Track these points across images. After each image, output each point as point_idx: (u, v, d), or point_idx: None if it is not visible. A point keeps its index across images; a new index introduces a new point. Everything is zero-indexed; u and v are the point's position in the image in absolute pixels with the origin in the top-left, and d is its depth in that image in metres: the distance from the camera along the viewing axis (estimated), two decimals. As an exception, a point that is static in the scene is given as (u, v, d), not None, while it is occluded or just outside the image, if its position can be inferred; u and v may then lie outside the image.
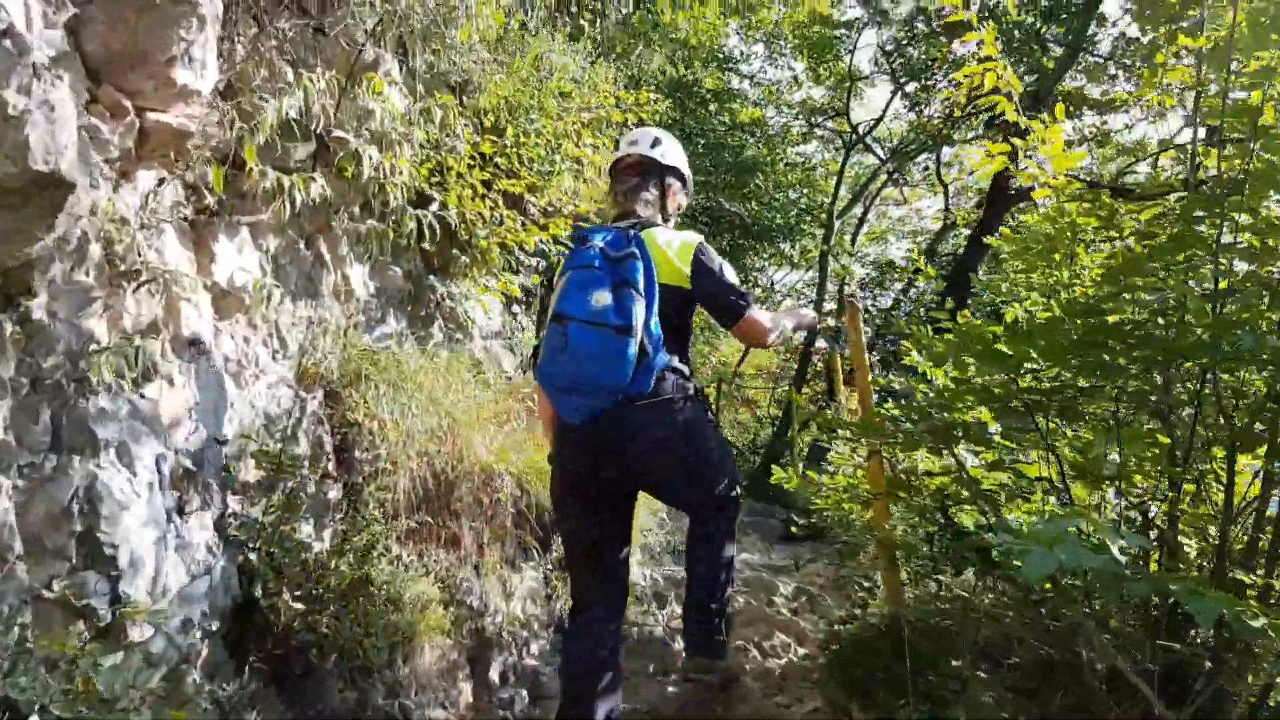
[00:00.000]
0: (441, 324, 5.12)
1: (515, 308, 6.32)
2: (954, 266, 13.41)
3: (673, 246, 2.90)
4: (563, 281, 2.78)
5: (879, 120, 17.84)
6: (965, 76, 4.59)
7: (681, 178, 3.24)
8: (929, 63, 13.07)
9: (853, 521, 4.59)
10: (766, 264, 17.55)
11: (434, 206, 4.56)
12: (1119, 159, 13.71)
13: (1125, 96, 11.41)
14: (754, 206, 12.57)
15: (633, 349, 2.61)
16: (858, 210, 19.26)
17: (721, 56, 13.95)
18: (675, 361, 2.83)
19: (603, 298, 2.65)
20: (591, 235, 2.88)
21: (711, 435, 2.87)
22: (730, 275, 2.97)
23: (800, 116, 17.91)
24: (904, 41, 13.25)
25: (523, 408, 5.03)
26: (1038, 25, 10.75)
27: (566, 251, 3.14)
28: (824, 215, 16.38)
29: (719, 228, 13.05)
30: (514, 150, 5.27)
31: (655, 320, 2.74)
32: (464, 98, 5.18)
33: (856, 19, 15.63)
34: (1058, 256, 4.13)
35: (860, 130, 18.06)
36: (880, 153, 18.43)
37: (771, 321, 2.97)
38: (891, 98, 17.03)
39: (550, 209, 5.85)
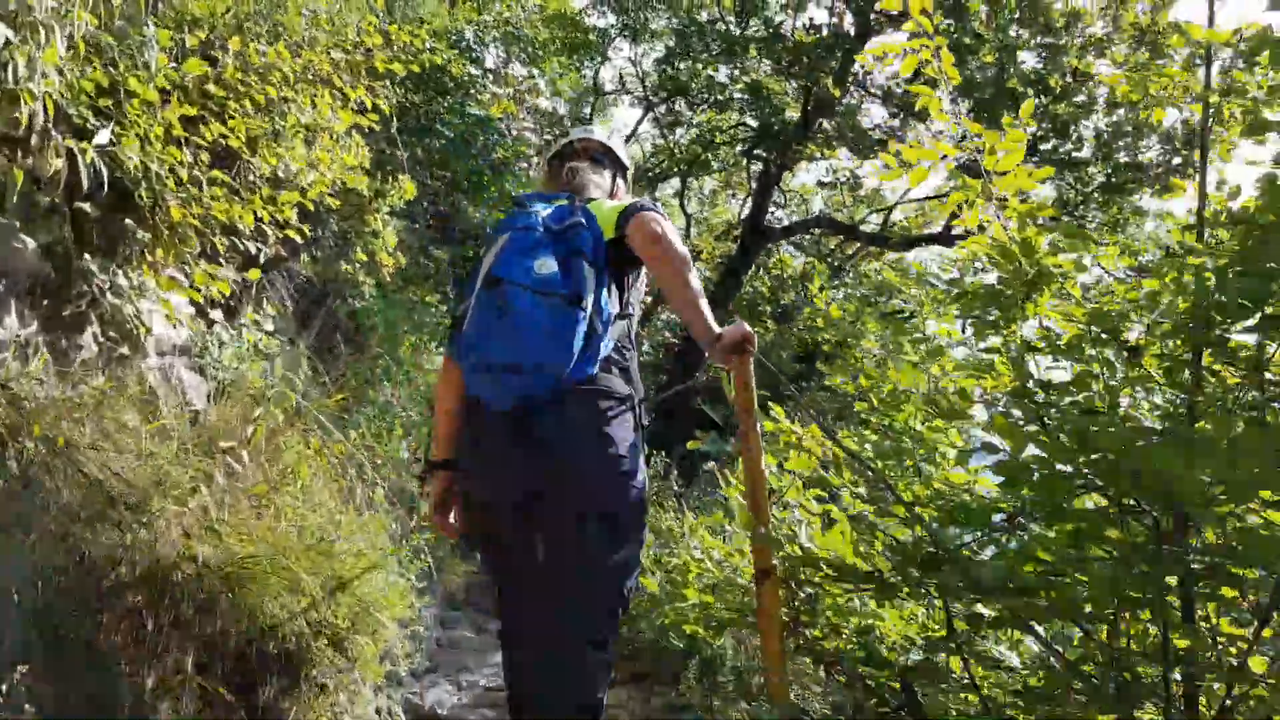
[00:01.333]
0: (97, 331, 3.42)
1: (214, 313, 4.60)
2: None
3: (613, 209, 2.56)
4: (499, 243, 2.42)
5: (627, 139, 17.12)
6: (888, 56, 3.65)
7: (627, 181, 3.02)
8: (687, 83, 12.44)
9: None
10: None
11: (100, 139, 2.87)
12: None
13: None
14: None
15: (584, 324, 2.31)
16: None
17: (463, 44, 12.53)
18: (617, 354, 2.51)
19: (547, 264, 2.35)
20: (529, 201, 2.60)
21: (637, 467, 2.45)
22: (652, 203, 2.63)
23: (543, 128, 16.81)
24: (669, 59, 12.54)
25: (220, 464, 3.48)
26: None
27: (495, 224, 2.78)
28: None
29: (452, 234, 11.56)
30: (236, 77, 3.65)
31: (605, 296, 2.42)
32: (163, -13, 3.52)
33: (609, 27, 14.82)
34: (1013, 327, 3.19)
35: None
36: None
37: (677, 241, 2.47)
38: (640, 119, 16.39)
39: (280, 178, 4.26)
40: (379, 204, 5.78)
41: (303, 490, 4.04)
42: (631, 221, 2.46)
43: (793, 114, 12.42)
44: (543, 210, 2.54)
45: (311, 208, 4.36)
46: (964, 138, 3.59)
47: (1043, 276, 3.15)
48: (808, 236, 14.38)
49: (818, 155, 11.88)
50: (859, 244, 16.96)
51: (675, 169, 15.31)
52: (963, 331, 3.74)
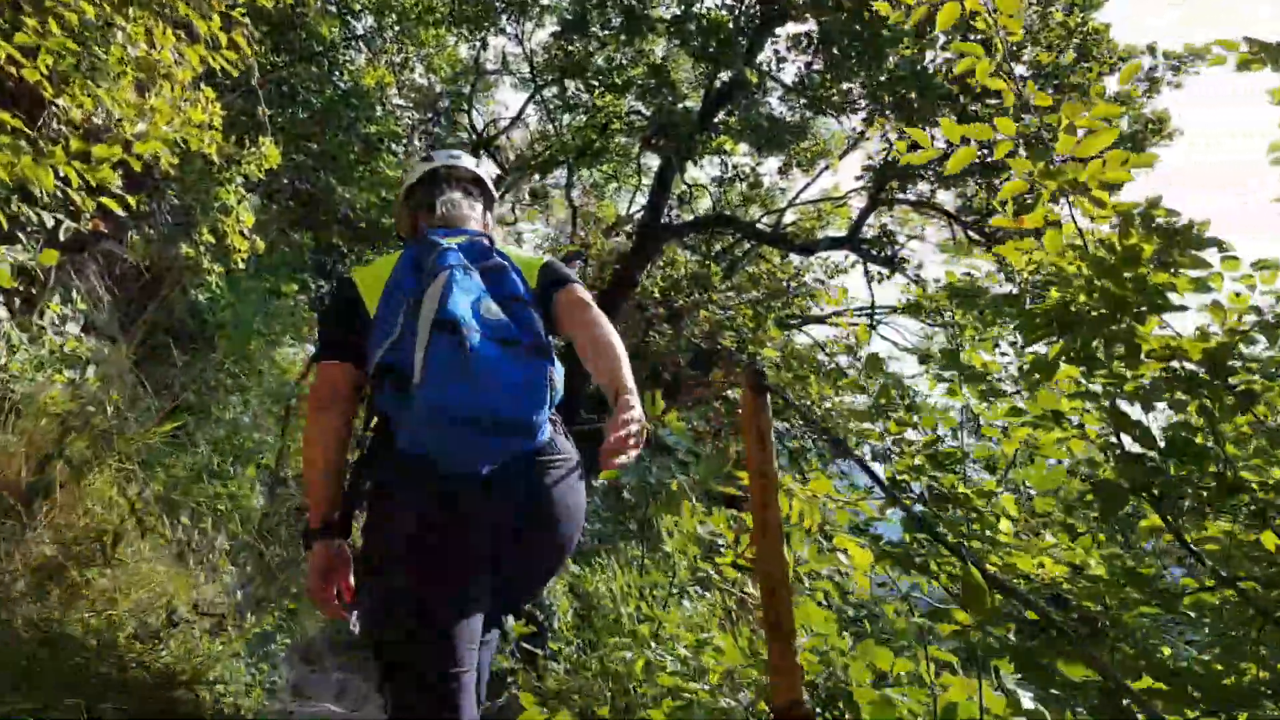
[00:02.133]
0: None
1: (-1, 306, 3.50)
2: (600, 296, 12.00)
3: (528, 261, 2.44)
4: (439, 280, 2.15)
5: (511, 123, 16.12)
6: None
7: (494, 216, 2.80)
8: (582, 62, 11.54)
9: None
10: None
11: None
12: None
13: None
14: (371, 199, 10.14)
15: (547, 377, 2.12)
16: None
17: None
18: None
19: (492, 306, 2.17)
20: (432, 235, 2.36)
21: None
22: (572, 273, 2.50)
23: (417, 107, 15.63)
24: (564, 33, 11.60)
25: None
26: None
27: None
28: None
29: (316, 216, 10.36)
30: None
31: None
32: None
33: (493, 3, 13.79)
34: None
35: (484, 134, 16.20)
36: (501, 162, 16.69)
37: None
38: (526, 101, 15.41)
39: (97, 128, 3.21)
40: (232, 173, 4.71)
41: (115, 551, 3.03)
42: (562, 293, 2.35)
43: (694, 103, 11.70)
44: (451, 243, 2.34)
45: (139, 167, 3.31)
46: (1018, 113, 2.87)
47: (1148, 296, 2.44)
48: (699, 236, 13.72)
49: (724, 149, 11.19)
50: (750, 245, 16.47)
51: (563, 157, 14.39)
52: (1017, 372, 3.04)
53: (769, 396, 2.30)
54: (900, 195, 11.50)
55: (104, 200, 3.16)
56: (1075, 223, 2.71)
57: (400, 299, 2.18)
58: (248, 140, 4.80)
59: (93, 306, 4.27)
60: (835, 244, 12.11)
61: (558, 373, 2.21)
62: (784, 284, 14.24)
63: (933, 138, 2.97)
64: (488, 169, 2.90)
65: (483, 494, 2.11)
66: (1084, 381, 2.62)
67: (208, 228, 4.73)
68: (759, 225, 13.47)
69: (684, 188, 13.97)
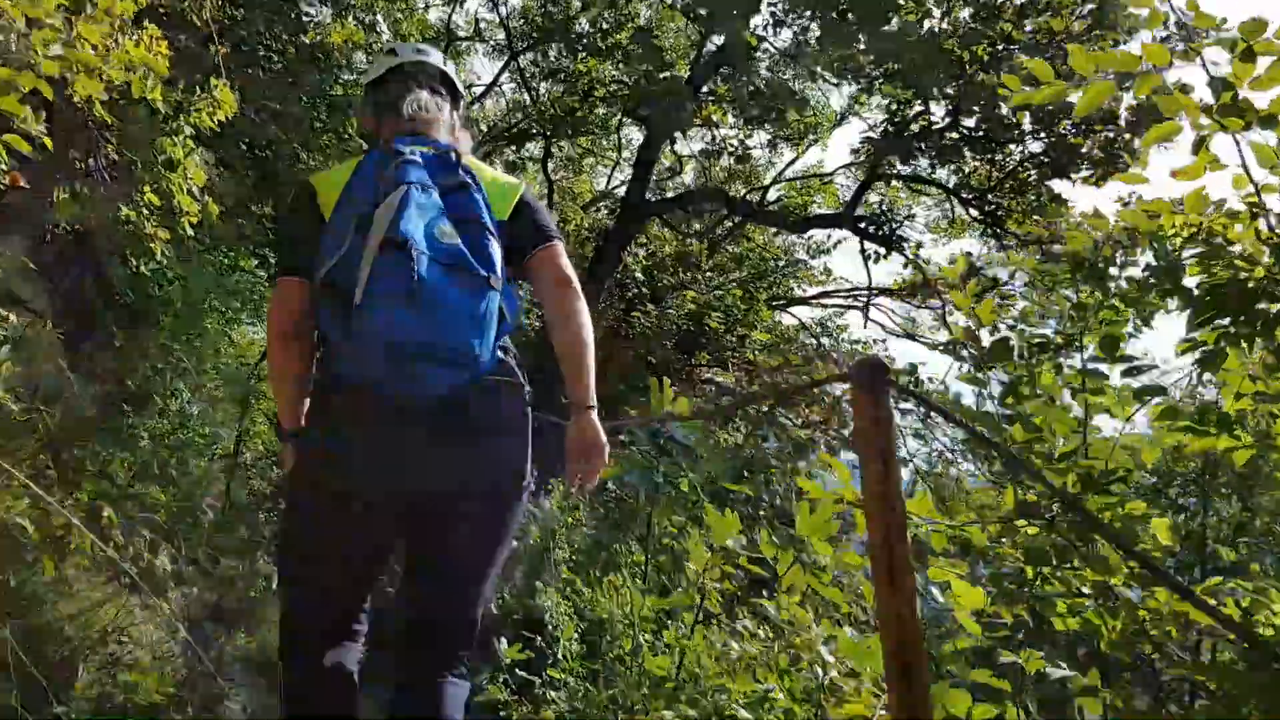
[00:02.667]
0: None
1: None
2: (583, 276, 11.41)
3: (500, 184, 2.32)
4: (396, 196, 2.04)
5: (485, 91, 15.40)
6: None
7: (465, 115, 2.64)
8: (566, 23, 10.89)
9: None
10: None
11: None
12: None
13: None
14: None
15: (496, 308, 2.09)
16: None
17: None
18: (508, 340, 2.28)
19: (448, 229, 2.07)
20: (398, 144, 2.20)
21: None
22: (551, 221, 2.42)
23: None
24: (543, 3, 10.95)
25: None
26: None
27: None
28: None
29: (278, 186, 9.66)
30: None
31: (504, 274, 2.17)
32: None
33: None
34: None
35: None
36: (473, 134, 15.97)
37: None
38: (501, 70, 14.71)
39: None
40: (180, 123, 4.08)
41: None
42: (544, 253, 2.28)
43: (680, 73, 11.10)
44: (417, 156, 2.20)
45: (52, 97, 2.71)
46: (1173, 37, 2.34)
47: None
48: (683, 213, 13.14)
49: (712, 120, 10.64)
50: (733, 222, 15.92)
51: (541, 129, 13.73)
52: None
53: (891, 397, 1.75)
54: (897, 170, 10.99)
55: (9, 138, 2.55)
56: (1249, 175, 2.19)
57: (352, 211, 2.08)
58: (199, 87, 4.18)
59: (12, 276, 3.64)
60: (830, 222, 11.57)
61: (510, 304, 2.17)
62: (771, 263, 13.72)
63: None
64: (455, 72, 2.67)
65: (421, 425, 2.06)
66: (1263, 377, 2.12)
67: (151, 187, 4.09)
68: (750, 202, 12.89)
69: (668, 161, 13.40)
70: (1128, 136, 9.25)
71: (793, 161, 15.69)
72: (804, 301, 15.03)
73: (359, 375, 2.05)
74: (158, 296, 4.75)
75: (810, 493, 2.58)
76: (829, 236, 17.57)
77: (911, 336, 15.78)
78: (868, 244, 11.12)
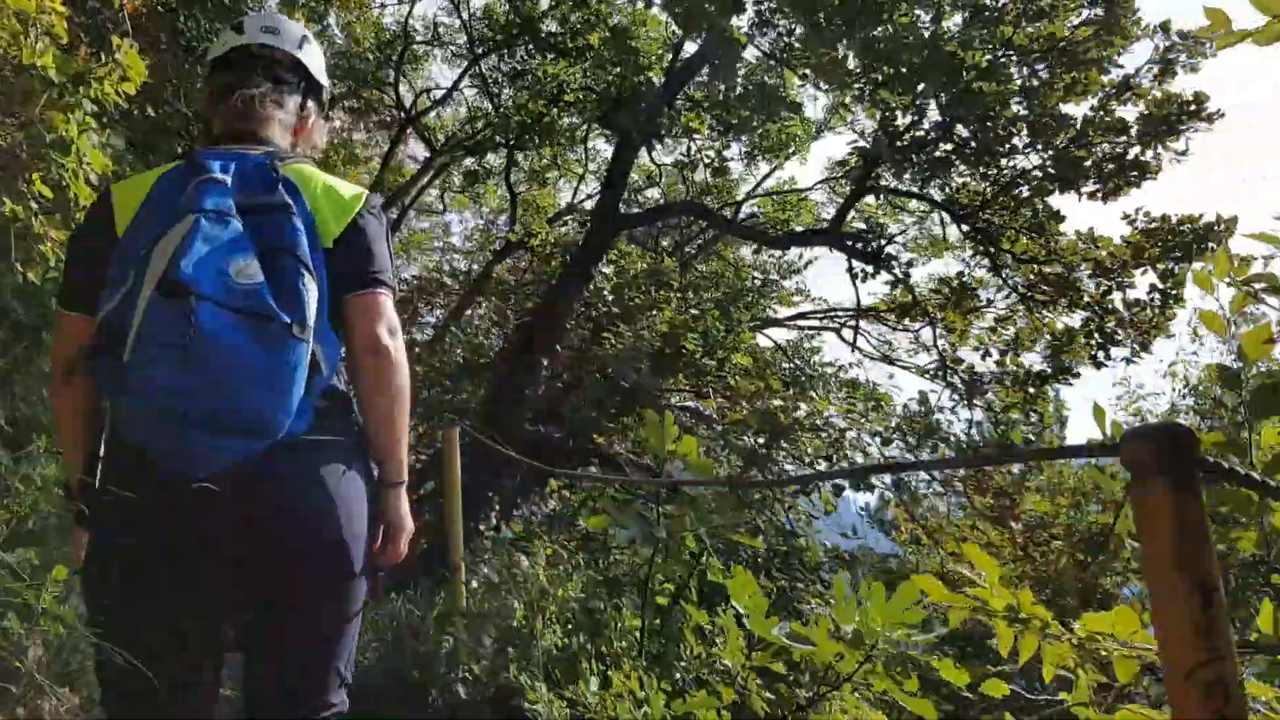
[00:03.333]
0: None
1: None
2: (543, 299, 10.69)
3: (336, 195, 2.04)
4: (182, 227, 1.78)
5: (444, 97, 14.64)
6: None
7: (321, 103, 2.37)
8: (534, 22, 10.20)
9: None
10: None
11: None
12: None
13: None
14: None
15: (305, 361, 1.81)
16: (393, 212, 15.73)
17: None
18: (336, 381, 2.01)
19: (247, 267, 1.78)
20: (206, 160, 1.92)
21: (365, 531, 2.00)
22: (388, 252, 2.11)
23: (337, 75, 14.10)
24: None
25: None
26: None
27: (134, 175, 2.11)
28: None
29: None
30: None
31: (325, 313, 1.90)
32: None
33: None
34: None
35: (412, 110, 14.73)
36: (431, 143, 15.19)
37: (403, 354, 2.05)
38: (461, 75, 13.97)
39: None
40: (79, 97, 3.33)
41: None
42: (356, 301, 1.97)
43: (655, 78, 10.45)
44: (220, 173, 1.90)
45: None
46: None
47: None
48: (657, 227, 12.47)
49: (690, 129, 9.99)
50: (705, 239, 15.30)
51: (504, 138, 13.00)
52: None
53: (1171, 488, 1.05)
54: (886, 184, 10.41)
55: None
56: None
57: (141, 239, 1.81)
58: (100, 53, 3.42)
59: None
60: (816, 238, 10.94)
61: (329, 350, 1.90)
62: (747, 282, 13.08)
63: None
64: (315, 53, 2.33)
65: (207, 502, 1.77)
66: None
67: (40, 174, 3.34)
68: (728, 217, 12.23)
69: (643, 172, 12.75)
70: (1137, 149, 8.75)
71: (768, 175, 15.13)
72: (779, 323, 14.41)
73: (133, 440, 1.79)
74: (54, 312, 3.96)
75: (969, 558, 1.87)
76: (800, 255, 17.04)
77: (890, 360, 15.25)
78: (855, 262, 10.50)
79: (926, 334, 15.88)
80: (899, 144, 9.44)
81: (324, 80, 2.36)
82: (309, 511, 1.90)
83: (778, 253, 16.88)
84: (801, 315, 14.85)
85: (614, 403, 10.54)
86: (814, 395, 9.47)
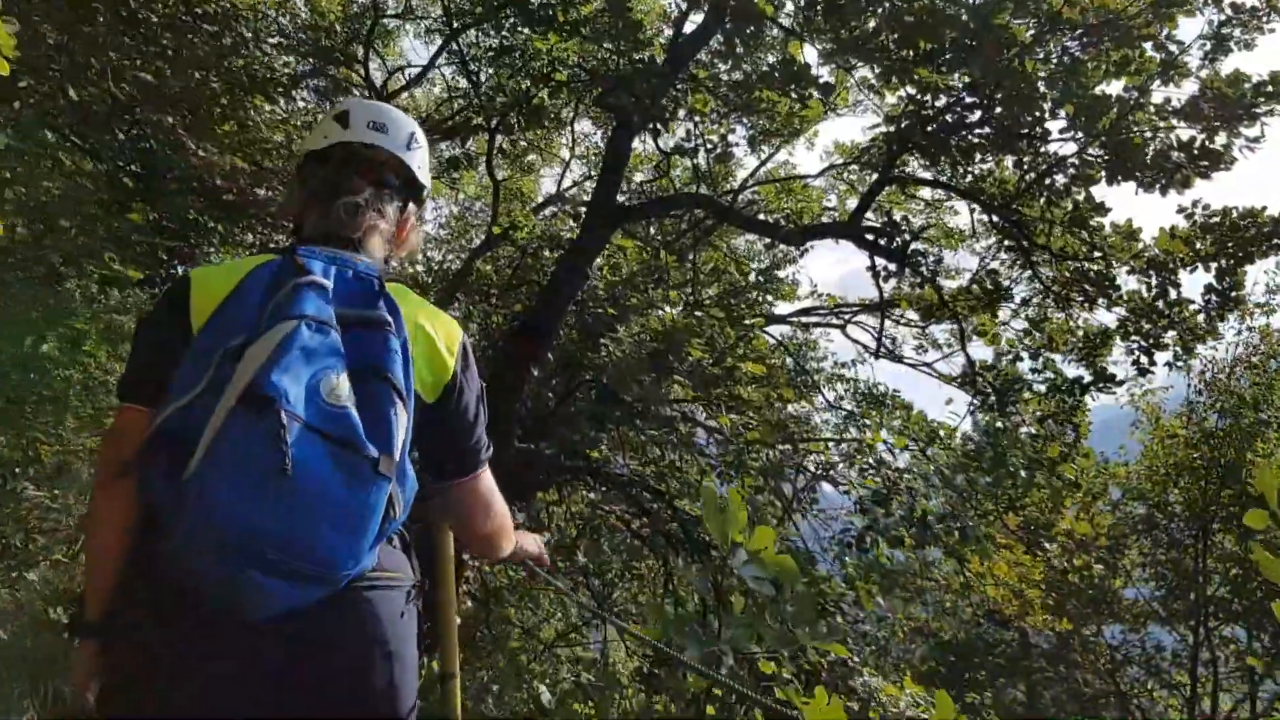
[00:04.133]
0: None
1: None
2: (542, 292, 9.71)
3: (437, 324, 1.95)
4: (277, 334, 1.63)
5: (419, 76, 13.60)
6: None
7: (421, 204, 2.26)
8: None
9: None
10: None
11: None
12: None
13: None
14: (239, 163, 7.58)
15: (384, 501, 1.66)
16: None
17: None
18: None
19: (340, 386, 1.65)
20: (309, 260, 1.82)
21: (415, 677, 1.89)
22: (484, 410, 2.06)
23: (300, 50, 13.03)
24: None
25: None
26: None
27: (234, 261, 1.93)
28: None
29: (159, 182, 7.79)
30: None
31: (408, 446, 1.77)
32: None
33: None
34: None
35: (384, 90, 13.69)
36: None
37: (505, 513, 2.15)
38: (437, 53, 12.96)
39: None
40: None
41: None
42: (460, 485, 2.01)
43: (657, 55, 9.49)
44: (323, 276, 1.79)
45: None
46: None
47: None
48: (661, 218, 11.55)
49: (696, 110, 9.05)
50: (701, 232, 14.39)
51: (486, 121, 11.99)
52: None
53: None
54: (911, 173, 9.54)
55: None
56: None
57: (222, 339, 1.67)
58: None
59: None
60: (833, 232, 10.02)
61: (405, 492, 1.74)
62: (750, 277, 12.18)
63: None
64: (423, 154, 2.13)
65: (254, 651, 1.65)
66: None
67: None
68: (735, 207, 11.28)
69: (634, 159, 11.78)
70: (1201, 136, 7.89)
71: (766, 160, 14.21)
72: (786, 320, 13.56)
73: (179, 566, 1.60)
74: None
75: None
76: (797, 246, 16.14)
77: (899, 359, 14.42)
78: (879, 260, 9.60)
79: (937, 332, 15.16)
80: (932, 127, 8.55)
81: (427, 181, 2.22)
82: (366, 687, 1.74)
83: (770, 244, 16.03)
84: (805, 311, 14.01)
85: (612, 415, 9.65)
86: (865, 425, 8.58)
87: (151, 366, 1.77)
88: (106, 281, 7.45)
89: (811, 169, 15.38)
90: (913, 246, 9.32)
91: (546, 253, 10.99)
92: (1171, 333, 9.70)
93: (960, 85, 8.13)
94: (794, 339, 14.98)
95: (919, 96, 8.22)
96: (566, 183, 15.12)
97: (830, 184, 14.77)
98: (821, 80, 8.02)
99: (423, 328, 1.90)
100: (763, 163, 14.69)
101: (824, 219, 11.61)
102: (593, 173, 14.70)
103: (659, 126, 8.88)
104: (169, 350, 1.74)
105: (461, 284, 12.97)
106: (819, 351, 15.44)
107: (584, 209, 11.64)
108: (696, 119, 10.00)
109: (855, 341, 13.97)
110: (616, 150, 9.70)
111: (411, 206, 2.19)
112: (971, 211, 10.02)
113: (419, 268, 16.83)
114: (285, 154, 11.89)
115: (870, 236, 9.35)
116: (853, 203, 13.43)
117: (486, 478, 2.03)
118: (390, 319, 1.78)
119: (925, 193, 12.67)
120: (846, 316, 14.23)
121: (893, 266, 9.50)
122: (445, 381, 1.91)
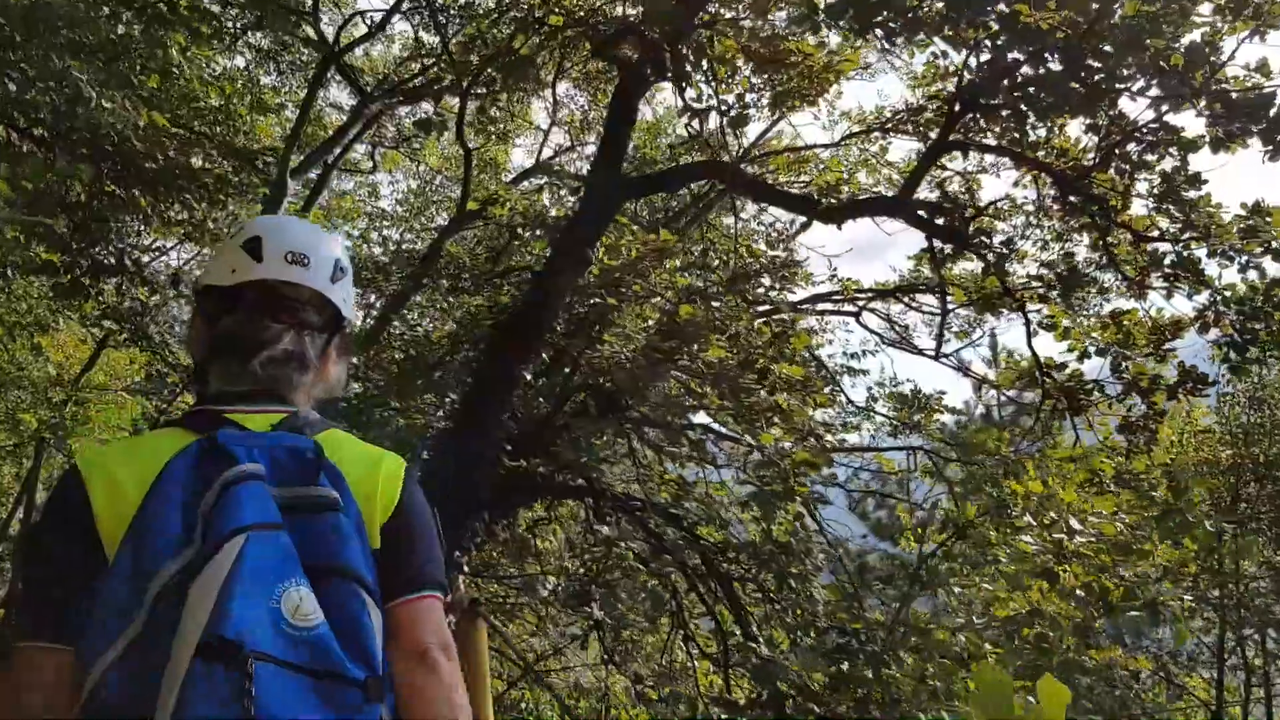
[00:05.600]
0: None
1: None
2: (533, 280, 8.29)
3: (368, 476, 1.71)
4: (229, 555, 1.40)
5: (377, 29, 12.07)
6: None
7: (346, 339, 2.03)
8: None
9: None
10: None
11: None
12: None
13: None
14: (161, 121, 6.20)
15: None
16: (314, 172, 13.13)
17: None
18: None
19: (303, 602, 1.43)
20: (231, 444, 1.57)
21: None
22: (439, 541, 1.82)
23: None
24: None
25: None
26: None
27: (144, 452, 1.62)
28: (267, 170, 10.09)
29: (66, 142, 6.31)
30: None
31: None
32: None
33: None
34: None
35: (336, 45, 12.16)
36: (362, 86, 12.60)
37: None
38: (398, 1, 11.46)
39: None
40: None
41: None
42: (402, 606, 1.63)
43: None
44: (249, 463, 1.53)
45: None
46: None
47: None
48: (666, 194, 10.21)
49: (724, 60, 7.72)
50: (697, 208, 13.05)
51: (456, 80, 10.52)
52: None
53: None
54: (970, 139, 8.25)
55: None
56: None
57: (149, 567, 1.40)
58: None
59: None
60: (882, 208, 8.70)
61: (393, 701, 1.56)
62: (762, 259, 10.87)
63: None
64: (348, 286, 1.87)
65: None
66: None
67: None
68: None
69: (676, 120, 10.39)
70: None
71: (775, 122, 12.86)
72: (794, 307, 12.29)
73: None
74: None
75: None
76: (792, 221, 14.86)
77: (913, 347, 13.21)
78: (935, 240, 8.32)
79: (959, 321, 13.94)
80: (1004, 84, 7.26)
81: (352, 316, 1.98)
82: None
83: (769, 219, 14.75)
84: (819, 297, 12.72)
85: (616, 426, 8.33)
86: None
87: (57, 600, 1.46)
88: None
89: (822, 139, 14.00)
90: (970, 223, 8.04)
91: (535, 231, 9.57)
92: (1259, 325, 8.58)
93: (1045, 29, 6.84)
94: (812, 330, 13.77)
95: (996, 46, 6.91)
96: (546, 153, 13.69)
97: (857, 154, 13.47)
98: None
99: (361, 476, 1.66)
100: (766, 130, 13.38)
101: (863, 195, 10.36)
102: (576, 142, 13.30)
103: (684, 81, 7.50)
104: (75, 574, 1.47)
105: (429, 269, 11.52)
106: (835, 343, 14.24)
107: (578, 182, 10.24)
108: (715, 73, 8.60)
109: (873, 332, 12.72)
110: (625, 110, 8.30)
111: (335, 341, 1.93)
112: (1039, 184, 8.77)
113: (376, 249, 15.31)
114: (221, 119, 10.36)
115: (924, 214, 8.05)
116: (877, 178, 12.15)
117: (432, 605, 1.66)
118: (336, 494, 1.57)
119: (956, 164, 11.45)
120: (861, 303, 13.01)
121: (947, 247, 8.24)
122: (390, 514, 1.67)
